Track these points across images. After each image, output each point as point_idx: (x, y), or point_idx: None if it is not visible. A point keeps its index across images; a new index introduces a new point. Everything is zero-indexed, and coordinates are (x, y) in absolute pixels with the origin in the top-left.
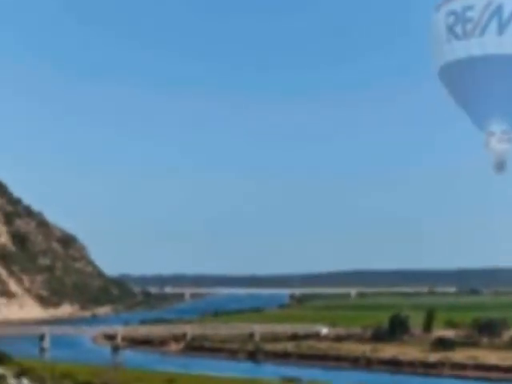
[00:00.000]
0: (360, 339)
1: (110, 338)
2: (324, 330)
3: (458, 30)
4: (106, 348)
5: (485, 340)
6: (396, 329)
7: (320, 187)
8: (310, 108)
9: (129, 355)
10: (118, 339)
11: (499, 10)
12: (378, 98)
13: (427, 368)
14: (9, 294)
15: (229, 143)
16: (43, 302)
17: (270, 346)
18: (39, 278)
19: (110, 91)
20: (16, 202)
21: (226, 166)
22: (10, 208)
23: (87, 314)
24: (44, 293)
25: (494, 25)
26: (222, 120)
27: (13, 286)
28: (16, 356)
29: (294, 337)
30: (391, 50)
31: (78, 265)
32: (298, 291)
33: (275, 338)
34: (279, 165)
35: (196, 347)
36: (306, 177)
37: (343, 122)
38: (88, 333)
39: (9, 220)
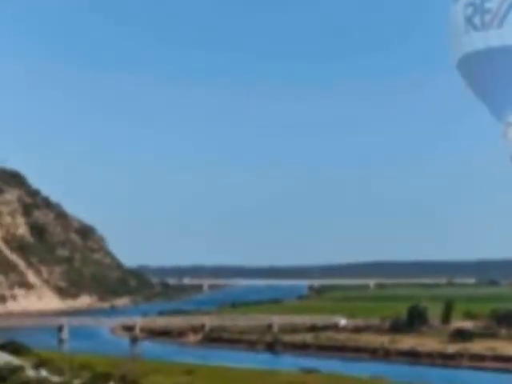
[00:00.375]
0: (378, 330)
1: (129, 329)
2: (342, 322)
3: (477, 21)
4: (124, 339)
5: (503, 331)
6: (414, 320)
7: (338, 177)
8: (330, 99)
9: (147, 346)
10: (137, 330)
11: None
12: (401, 86)
13: (445, 359)
14: (27, 285)
15: (244, 135)
16: (61, 293)
17: (288, 337)
18: (58, 269)
19: (127, 83)
20: (34, 193)
21: (244, 157)
22: (28, 199)
23: (106, 305)
24: (62, 284)
25: None
26: (239, 112)
27: (31, 277)
28: (34, 347)
29: (313, 328)
30: (407, 41)
31: (96, 256)
32: (316, 282)
33: (294, 329)
34: (297, 156)
35: (214, 338)
36: (325, 167)
37: (365, 111)
38: (106, 324)
39: (27, 211)
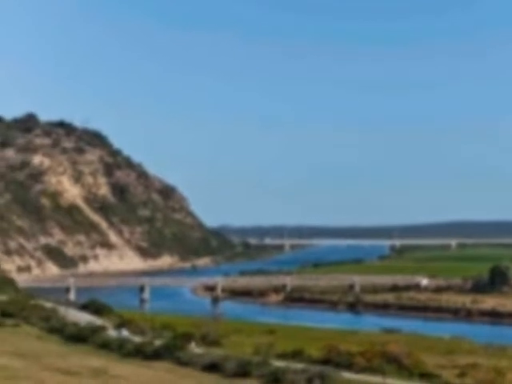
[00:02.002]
0: (460, 290)
1: (210, 289)
2: (424, 282)
3: None
4: (205, 299)
5: None
6: (496, 280)
7: (421, 138)
8: (412, 57)
9: (228, 306)
10: (218, 290)
11: None
12: (485, 47)
13: None
14: (109, 246)
15: (330, 94)
16: (143, 253)
17: (369, 298)
18: (139, 230)
19: (207, 42)
20: (116, 153)
21: (327, 116)
22: (110, 159)
23: (187, 265)
24: (144, 244)
25: None
26: (324, 71)
27: (113, 237)
28: (116, 307)
29: (394, 288)
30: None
31: (177, 216)
32: (398, 242)
33: (375, 290)
34: (380, 115)
35: (295, 298)
36: (407, 127)
37: (447, 71)
38: (188, 284)
39: (109, 171)
